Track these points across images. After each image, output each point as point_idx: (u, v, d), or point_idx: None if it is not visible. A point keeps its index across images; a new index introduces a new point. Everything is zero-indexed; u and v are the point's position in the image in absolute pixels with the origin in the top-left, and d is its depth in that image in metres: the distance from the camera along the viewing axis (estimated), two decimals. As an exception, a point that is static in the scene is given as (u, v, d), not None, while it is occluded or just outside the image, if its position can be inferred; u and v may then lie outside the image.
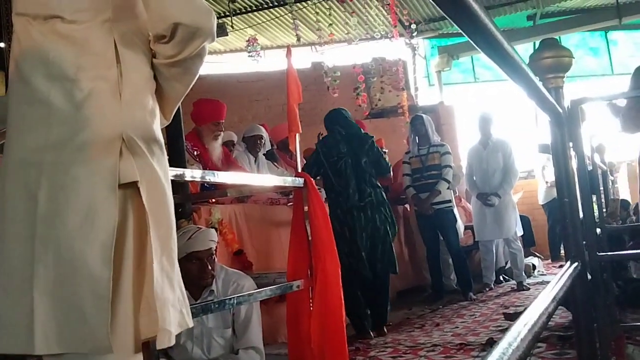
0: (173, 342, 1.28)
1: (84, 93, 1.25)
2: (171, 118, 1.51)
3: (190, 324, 1.40)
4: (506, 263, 6.73)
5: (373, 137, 4.74)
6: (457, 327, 4.31)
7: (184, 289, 1.41)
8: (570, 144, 1.77)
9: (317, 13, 7.93)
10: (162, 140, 1.38)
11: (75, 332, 1.19)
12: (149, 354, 1.34)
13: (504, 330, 3.97)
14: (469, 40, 0.88)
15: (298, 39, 7.97)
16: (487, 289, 6.10)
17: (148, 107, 1.35)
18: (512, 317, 4.19)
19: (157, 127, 1.38)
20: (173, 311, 1.30)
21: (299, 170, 3.18)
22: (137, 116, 1.31)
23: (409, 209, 6.67)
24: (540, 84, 1.34)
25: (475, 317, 4.69)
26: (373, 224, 4.31)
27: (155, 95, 1.41)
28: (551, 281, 1.26)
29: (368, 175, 4.45)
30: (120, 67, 1.30)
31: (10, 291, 1.22)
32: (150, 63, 1.38)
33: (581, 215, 1.80)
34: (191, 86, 1.45)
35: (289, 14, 8.78)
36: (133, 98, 1.31)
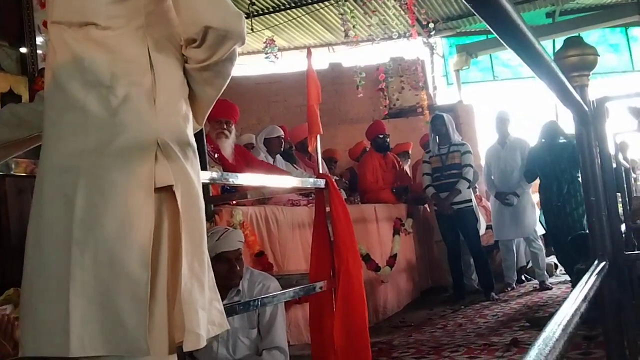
0: (203, 344, 1.28)
1: (119, 99, 1.27)
2: (203, 122, 1.52)
3: (226, 326, 1.41)
4: (528, 262, 6.68)
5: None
6: (480, 328, 4.29)
7: (217, 291, 1.41)
8: (596, 143, 1.76)
9: (342, 14, 7.90)
10: (195, 145, 1.40)
11: (113, 334, 1.20)
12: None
13: (527, 331, 3.95)
14: (498, 37, 0.88)
15: (346, 35, 7.94)
16: (509, 289, 6.06)
17: (182, 112, 1.37)
18: (536, 321, 4.15)
19: (190, 132, 1.39)
20: (202, 314, 1.30)
21: (320, 171, 3.18)
22: (171, 121, 1.33)
23: (428, 209, 6.65)
24: (567, 83, 1.34)
25: (498, 317, 4.66)
26: None
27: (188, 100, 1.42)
28: (580, 280, 1.25)
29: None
30: (154, 73, 1.31)
31: (47, 294, 1.22)
32: (182, 68, 1.39)
33: (606, 213, 1.79)
34: (223, 90, 1.46)
35: (307, 15, 8.81)
36: (167, 103, 1.32)
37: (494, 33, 0.85)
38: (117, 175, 1.24)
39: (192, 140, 1.39)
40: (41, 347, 1.22)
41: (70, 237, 1.21)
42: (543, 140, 5.76)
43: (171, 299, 1.27)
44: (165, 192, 1.28)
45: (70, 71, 1.29)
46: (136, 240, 1.23)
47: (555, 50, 1.80)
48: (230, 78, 1.44)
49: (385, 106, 8.12)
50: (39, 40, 4.36)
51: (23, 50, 4.28)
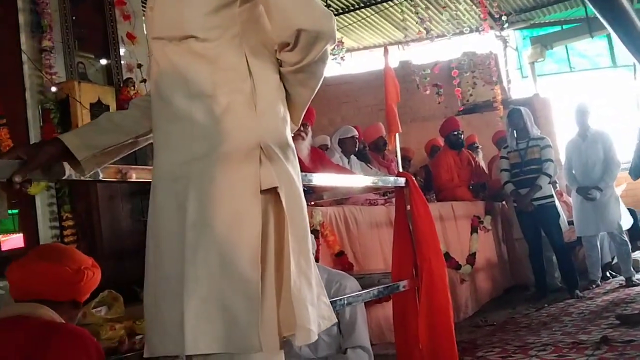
0: (314, 339, 1.33)
1: (222, 107, 1.32)
2: (299, 123, 1.55)
3: (334, 319, 1.44)
4: (613, 258, 6.43)
5: None
6: (566, 326, 4.17)
7: (323, 286, 1.44)
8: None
9: (416, 12, 7.85)
10: (294, 146, 1.43)
11: (226, 332, 1.24)
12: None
13: (617, 328, 3.81)
14: (603, 20, 0.86)
15: (427, 32, 7.91)
16: (594, 286, 5.85)
17: (280, 115, 1.41)
18: (627, 319, 3.99)
19: (289, 133, 1.43)
20: (312, 309, 1.34)
21: (400, 169, 3.17)
22: (271, 124, 1.37)
23: (507, 206, 6.51)
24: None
25: (585, 315, 4.51)
26: None
27: None
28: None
29: None
30: (253, 79, 1.36)
31: (167, 295, 1.29)
32: (277, 71, 1.43)
33: None
34: (317, 90, 1.49)
35: (376, 14, 8.78)
36: (267, 108, 1.37)
37: (596, 12, 0.83)
38: (224, 179, 1.29)
39: (291, 141, 1.43)
40: (166, 347, 1.29)
41: (183, 240, 1.27)
42: None
43: (277, 297, 1.31)
44: (270, 194, 1.32)
45: (175, 83, 1.35)
46: (245, 240, 1.27)
47: None
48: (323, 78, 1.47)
49: (440, 103, 8.01)
50: (122, 51, 4.54)
51: (107, 61, 4.46)
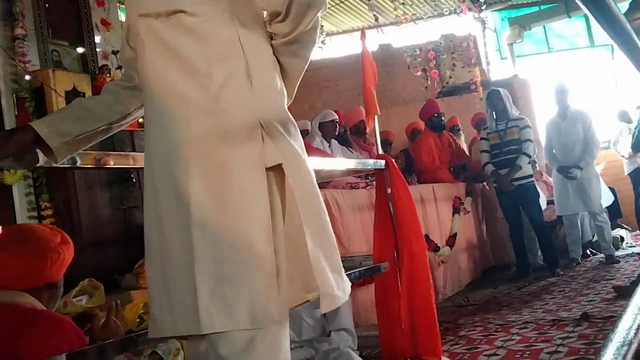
0: (339, 304, 1.32)
1: (218, 85, 1.30)
2: (293, 95, 1.52)
3: (349, 289, 1.40)
4: (593, 236, 6.51)
5: None
6: (547, 304, 4.22)
7: (340, 261, 1.41)
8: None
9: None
10: (293, 119, 1.41)
11: (244, 309, 1.25)
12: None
13: (597, 305, 3.87)
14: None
15: (376, 19, 7.88)
16: (575, 264, 5.93)
17: (277, 89, 1.39)
18: (624, 290, 4.05)
19: (286, 107, 1.42)
20: (334, 275, 1.33)
21: (380, 152, 3.17)
22: (269, 100, 1.35)
23: (487, 187, 6.56)
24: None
25: (565, 293, 4.57)
26: None
27: None
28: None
29: None
30: (246, 54, 1.34)
31: (176, 276, 1.29)
32: (270, 45, 1.41)
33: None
34: (310, 59, 1.47)
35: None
36: (263, 83, 1.35)
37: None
38: (228, 158, 1.28)
39: (290, 115, 1.40)
40: (178, 327, 1.29)
41: (189, 220, 1.26)
42: None
43: (291, 269, 1.31)
44: (275, 171, 1.32)
45: (167, 61, 1.33)
46: (256, 217, 1.27)
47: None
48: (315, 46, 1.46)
49: (426, 88, 8.00)
50: (97, 38, 4.47)
51: (82, 49, 4.40)
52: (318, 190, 1.38)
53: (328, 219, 1.39)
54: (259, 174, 1.29)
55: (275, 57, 1.42)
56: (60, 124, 1.44)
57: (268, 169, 1.30)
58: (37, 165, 1.48)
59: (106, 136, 1.57)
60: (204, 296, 1.23)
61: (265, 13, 1.40)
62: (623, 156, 7.62)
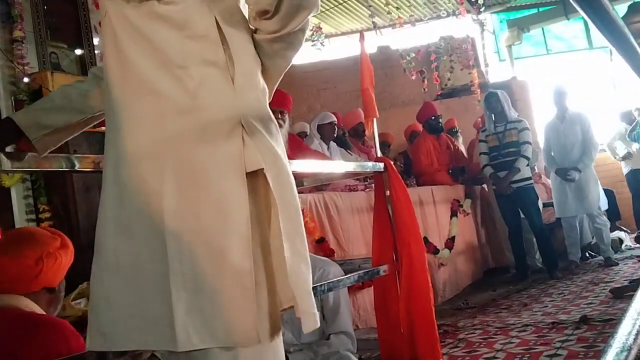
0: (318, 324, 1.23)
1: (196, 81, 1.19)
2: (272, 96, 1.39)
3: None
4: (592, 239, 6.51)
5: None
6: (547, 306, 4.22)
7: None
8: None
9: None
10: (274, 119, 1.30)
11: (221, 326, 1.16)
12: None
13: (596, 307, 3.86)
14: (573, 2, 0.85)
15: (374, 26, 7.86)
16: (574, 267, 5.92)
17: (260, 87, 1.28)
18: (619, 292, 4.04)
19: (268, 106, 1.31)
20: (312, 292, 1.25)
21: (379, 154, 3.16)
22: (251, 98, 1.24)
23: (486, 189, 6.55)
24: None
25: (564, 295, 4.57)
26: None
27: None
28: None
29: None
30: (227, 48, 1.23)
31: (147, 288, 1.18)
32: (252, 39, 1.29)
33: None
34: (292, 61, 1.37)
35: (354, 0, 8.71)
36: (245, 80, 1.24)
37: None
38: (205, 161, 1.17)
39: (272, 115, 1.30)
40: (148, 342, 1.19)
41: (162, 228, 1.16)
42: None
43: (270, 283, 1.22)
44: (256, 175, 1.21)
45: (139, 51, 1.21)
46: (234, 228, 1.17)
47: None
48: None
49: (425, 90, 8.00)
50: (96, 41, 4.47)
51: (81, 51, 4.40)
52: (297, 196, 1.27)
53: (303, 229, 1.28)
54: (238, 180, 1.17)
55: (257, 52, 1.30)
56: (40, 116, 1.39)
57: (249, 174, 1.19)
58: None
59: (89, 126, 1.50)
60: (180, 311, 1.14)
61: (249, 8, 1.29)
62: (616, 157, 7.62)
